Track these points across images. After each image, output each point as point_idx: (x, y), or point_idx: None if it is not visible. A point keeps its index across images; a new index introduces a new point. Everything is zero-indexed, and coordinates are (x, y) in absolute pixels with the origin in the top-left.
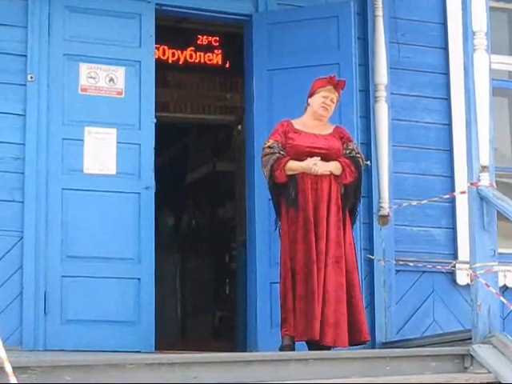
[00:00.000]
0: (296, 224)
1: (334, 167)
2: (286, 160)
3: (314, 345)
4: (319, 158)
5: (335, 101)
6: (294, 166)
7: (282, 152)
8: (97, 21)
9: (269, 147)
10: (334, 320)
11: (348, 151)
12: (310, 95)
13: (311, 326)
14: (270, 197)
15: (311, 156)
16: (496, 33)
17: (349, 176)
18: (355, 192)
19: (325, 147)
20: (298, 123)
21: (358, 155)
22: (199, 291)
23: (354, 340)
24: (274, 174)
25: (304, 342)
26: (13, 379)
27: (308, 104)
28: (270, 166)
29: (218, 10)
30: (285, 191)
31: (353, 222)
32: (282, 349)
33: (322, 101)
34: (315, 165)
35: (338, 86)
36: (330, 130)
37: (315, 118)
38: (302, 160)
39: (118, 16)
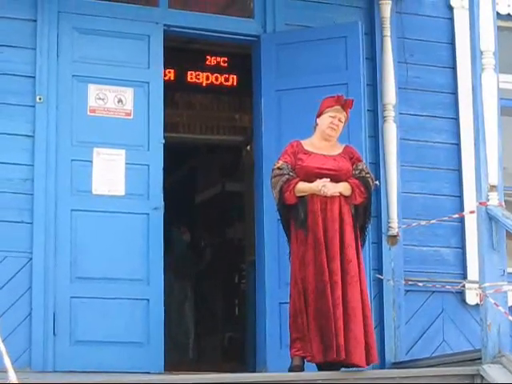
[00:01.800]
0: (305, 245)
1: (343, 188)
2: (295, 181)
3: (324, 365)
4: (328, 179)
5: (343, 120)
6: (303, 187)
7: (291, 173)
8: (105, 42)
9: (278, 168)
10: (361, 339)
11: (357, 171)
12: (319, 115)
13: (330, 346)
14: (278, 217)
15: (320, 177)
16: (504, 52)
17: (358, 197)
18: (365, 212)
19: (334, 168)
20: (307, 144)
21: (368, 175)
22: (209, 312)
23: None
24: (283, 195)
25: (314, 363)
26: None
27: (316, 124)
28: (279, 188)
29: (226, 31)
30: (294, 212)
31: (363, 242)
32: (291, 369)
33: (330, 121)
34: (324, 186)
35: (345, 105)
36: (339, 150)
37: (324, 138)
38: (312, 181)
39: (126, 37)
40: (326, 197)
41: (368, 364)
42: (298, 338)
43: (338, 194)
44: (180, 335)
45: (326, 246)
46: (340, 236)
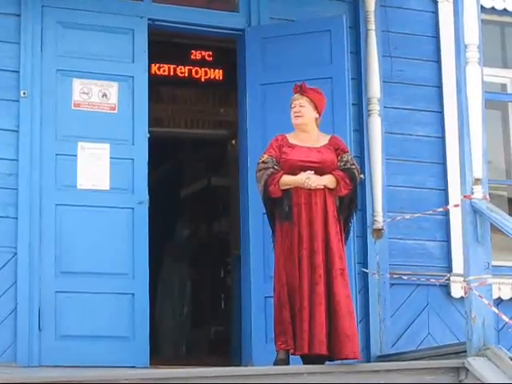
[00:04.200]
0: (290, 238)
1: (328, 181)
2: (279, 175)
3: (307, 358)
4: (313, 172)
5: (305, 104)
6: (287, 180)
7: (275, 167)
8: (89, 36)
9: (263, 162)
10: (351, 332)
11: (342, 163)
12: None
13: (320, 341)
14: (264, 211)
15: (304, 170)
16: (488, 46)
17: (343, 189)
18: (350, 204)
19: (318, 161)
20: (292, 137)
21: (353, 166)
22: (194, 306)
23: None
24: (268, 188)
25: (298, 356)
26: None
27: None
28: (263, 181)
29: (211, 25)
30: (279, 205)
31: (347, 234)
32: (276, 363)
33: (293, 111)
34: (308, 179)
35: (300, 90)
36: (324, 141)
37: (301, 129)
38: (296, 174)
39: (110, 31)
40: (310, 189)
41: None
42: (282, 332)
43: (322, 187)
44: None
45: (310, 239)
46: (324, 229)
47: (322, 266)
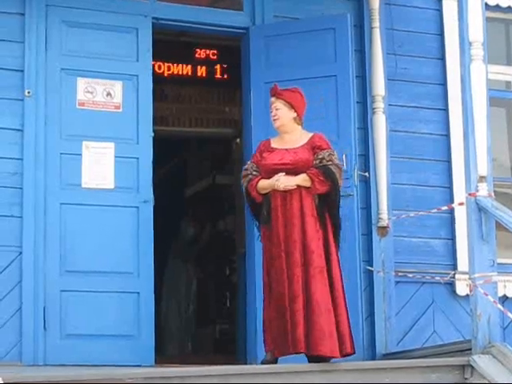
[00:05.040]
0: (270, 241)
1: (301, 180)
2: (256, 180)
3: (313, 357)
4: (283, 173)
5: (280, 107)
6: (263, 184)
7: (254, 173)
8: (94, 35)
9: (245, 169)
10: (329, 329)
11: (318, 161)
12: None
13: (295, 339)
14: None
15: (277, 172)
16: (493, 43)
17: (319, 186)
18: (331, 200)
19: (291, 162)
20: (275, 141)
21: (330, 163)
22: (199, 304)
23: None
24: (250, 195)
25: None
26: None
27: None
28: (244, 189)
29: (215, 24)
30: (259, 210)
31: (338, 230)
32: (263, 363)
33: (271, 114)
34: (278, 181)
35: (274, 93)
36: (304, 140)
37: (281, 131)
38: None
39: (115, 30)
40: (285, 191)
41: (343, 354)
42: (266, 333)
43: (294, 187)
44: (182, 321)
45: (286, 240)
46: (301, 229)
47: (299, 266)
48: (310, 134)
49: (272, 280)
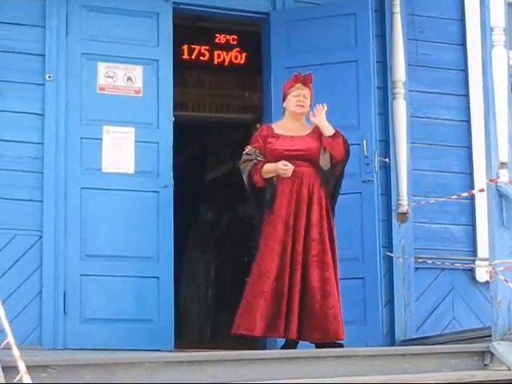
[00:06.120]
0: (273, 225)
1: (328, 127)
2: (262, 164)
3: (326, 343)
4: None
5: (308, 96)
6: (269, 168)
7: (258, 158)
8: (114, 20)
9: (247, 154)
10: (324, 315)
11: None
12: (284, 99)
13: (278, 326)
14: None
15: (290, 159)
16: None
17: (341, 143)
18: (339, 172)
19: (303, 148)
20: (277, 127)
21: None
22: (218, 290)
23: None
24: (252, 178)
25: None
26: (26, 378)
27: (284, 108)
28: (247, 172)
29: (236, 8)
30: (263, 194)
31: (333, 207)
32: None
33: (296, 99)
34: (286, 170)
35: (305, 81)
36: (308, 130)
37: (294, 118)
38: None
39: (135, 15)
40: (295, 178)
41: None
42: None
43: (292, 171)
44: (202, 307)
45: (293, 227)
46: (306, 216)
47: (300, 253)
48: (312, 125)
49: (270, 263)
